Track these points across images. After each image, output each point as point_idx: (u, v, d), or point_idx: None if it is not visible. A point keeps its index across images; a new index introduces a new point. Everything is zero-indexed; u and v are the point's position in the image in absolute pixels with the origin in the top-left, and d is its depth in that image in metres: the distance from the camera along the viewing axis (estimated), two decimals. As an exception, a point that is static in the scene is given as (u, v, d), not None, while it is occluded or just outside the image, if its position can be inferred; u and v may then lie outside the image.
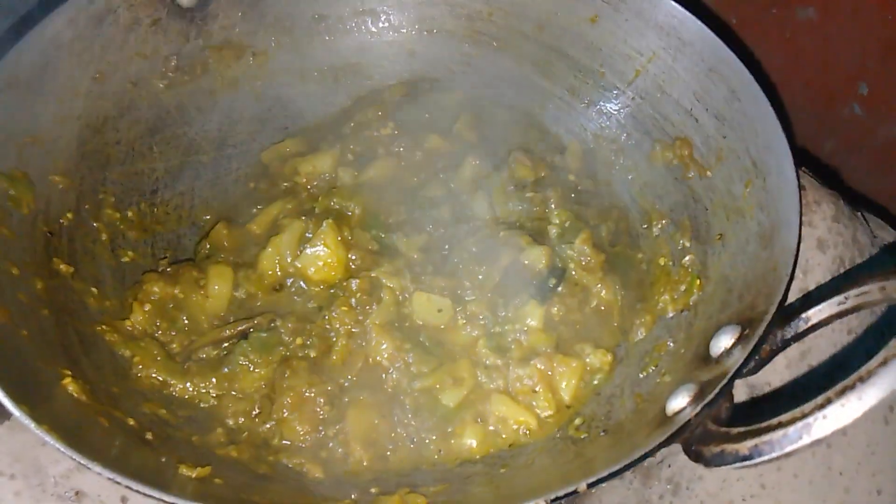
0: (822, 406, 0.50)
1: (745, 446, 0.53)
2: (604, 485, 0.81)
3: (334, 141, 1.08)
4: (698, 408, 0.62)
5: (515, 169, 1.02)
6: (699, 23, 0.97)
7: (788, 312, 0.68)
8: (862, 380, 0.49)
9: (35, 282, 0.80)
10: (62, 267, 0.84)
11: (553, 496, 0.60)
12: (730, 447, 0.55)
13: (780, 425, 0.52)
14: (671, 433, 0.61)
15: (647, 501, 0.82)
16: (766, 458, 0.52)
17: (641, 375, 0.83)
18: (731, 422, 0.61)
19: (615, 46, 1.06)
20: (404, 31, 1.17)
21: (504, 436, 0.82)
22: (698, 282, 0.87)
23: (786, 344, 0.67)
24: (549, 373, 0.84)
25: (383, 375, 0.85)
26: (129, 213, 0.97)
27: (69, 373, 0.73)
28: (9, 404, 0.61)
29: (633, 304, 0.92)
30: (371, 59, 1.18)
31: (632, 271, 0.95)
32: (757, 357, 0.66)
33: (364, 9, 1.15)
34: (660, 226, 0.98)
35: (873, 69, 1.20)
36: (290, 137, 1.11)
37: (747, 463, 0.53)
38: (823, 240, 0.91)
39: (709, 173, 0.94)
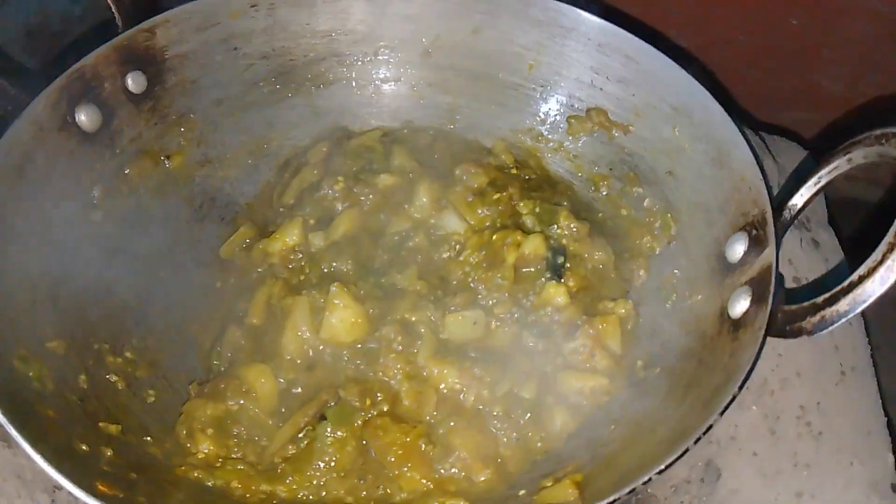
0: (891, 249, 0.65)
1: (843, 304, 0.67)
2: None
3: (287, 213, 1.09)
4: (769, 299, 0.75)
5: (468, 179, 1.10)
6: (574, 9, 1.11)
7: (778, 205, 0.83)
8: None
9: (104, 451, 0.74)
10: (112, 428, 0.78)
11: (707, 426, 0.69)
12: (828, 311, 0.68)
13: (862, 278, 0.66)
14: (766, 327, 0.73)
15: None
16: (862, 307, 0.66)
17: (668, 306, 0.95)
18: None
19: (502, 49, 1.17)
20: (301, 91, 1.19)
21: (586, 402, 0.90)
22: (669, 216, 1.01)
23: (785, 231, 0.83)
24: (595, 334, 0.93)
25: (461, 397, 0.90)
26: (128, 354, 0.91)
27: None
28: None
29: (621, 255, 1.04)
30: (279, 126, 1.19)
31: (602, 230, 1.07)
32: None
33: (256, 80, 1.16)
34: (605, 185, 1.11)
35: None
36: (240, 226, 1.09)
37: (849, 317, 0.67)
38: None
39: (632, 128, 1.09)
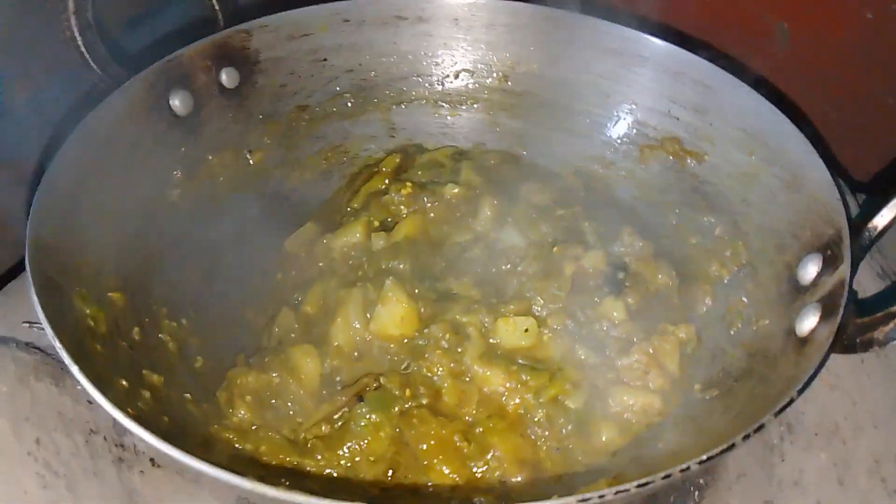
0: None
1: (920, 310, 0.62)
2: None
3: (354, 214, 1.11)
4: (840, 313, 0.70)
5: (531, 196, 1.10)
6: (652, 38, 1.12)
7: (858, 225, 0.79)
8: None
9: (143, 392, 0.75)
10: (154, 378, 0.80)
11: (758, 425, 0.64)
12: (903, 318, 0.63)
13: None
14: (833, 339, 0.68)
15: (771, 444, 0.88)
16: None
17: (732, 332, 0.90)
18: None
19: (578, 78, 1.19)
20: (382, 107, 1.23)
21: (635, 420, 0.86)
22: (740, 243, 0.97)
23: (864, 252, 0.78)
24: (652, 352, 0.89)
25: (503, 399, 0.87)
26: (184, 322, 0.93)
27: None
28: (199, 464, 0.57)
29: (686, 282, 1.00)
30: (355, 138, 1.23)
31: (671, 256, 1.04)
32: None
33: (341, 92, 1.21)
34: (675, 214, 1.09)
35: None
36: (308, 223, 1.12)
37: (928, 323, 0.62)
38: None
39: (706, 157, 1.07)
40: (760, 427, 0.61)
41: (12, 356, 0.81)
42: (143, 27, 1.14)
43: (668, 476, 0.56)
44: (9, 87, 0.93)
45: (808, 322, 0.75)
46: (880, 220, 0.78)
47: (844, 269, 0.74)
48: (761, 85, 0.99)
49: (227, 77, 1.10)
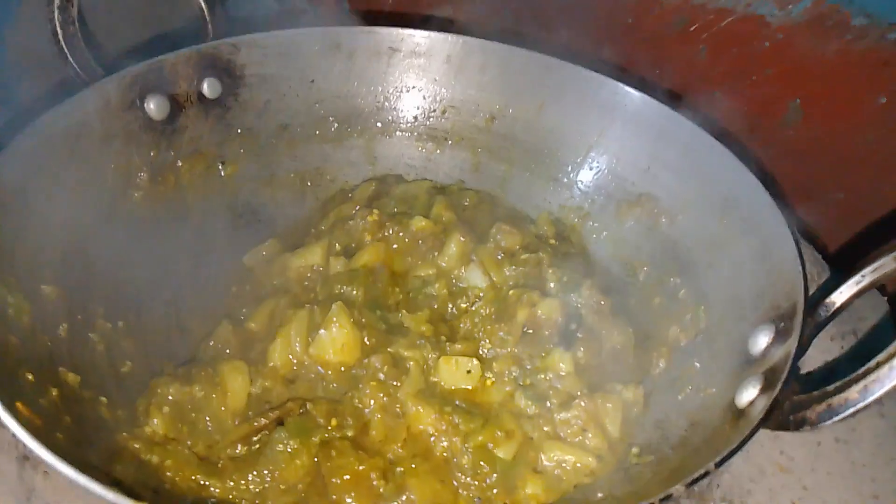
0: (916, 334, 0.56)
1: (853, 392, 0.58)
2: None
3: (318, 236, 1.09)
4: (778, 387, 0.66)
5: (502, 238, 1.07)
6: (642, 95, 1.10)
7: (814, 302, 0.75)
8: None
9: (50, 390, 0.73)
10: (69, 377, 0.78)
11: (657, 498, 0.60)
12: (835, 400, 0.59)
13: (880, 364, 0.57)
14: (765, 414, 0.64)
15: (709, 523, 0.83)
16: (876, 395, 0.57)
17: (680, 398, 0.86)
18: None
19: (565, 127, 1.17)
20: (365, 135, 1.23)
21: (565, 479, 0.81)
22: (702, 308, 0.93)
23: (819, 328, 0.74)
24: (594, 410, 0.85)
25: (432, 441, 0.83)
26: (120, 324, 0.91)
27: (110, 474, 0.65)
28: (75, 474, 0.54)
29: (643, 342, 0.96)
30: (335, 162, 1.22)
31: (631, 314, 1.01)
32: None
33: (325, 116, 1.20)
34: (643, 272, 1.05)
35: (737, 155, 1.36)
36: (270, 239, 1.10)
37: (858, 407, 0.57)
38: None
39: (680, 218, 1.04)
40: (667, 497, 0.57)
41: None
42: (131, 31, 1.15)
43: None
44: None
45: (748, 394, 0.71)
46: (838, 298, 0.75)
47: (791, 343, 0.70)
48: (745, 153, 0.96)
49: (209, 87, 1.10)
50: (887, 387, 0.57)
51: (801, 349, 0.74)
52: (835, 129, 1.29)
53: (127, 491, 0.58)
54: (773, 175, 1.37)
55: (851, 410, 0.58)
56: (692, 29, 1.33)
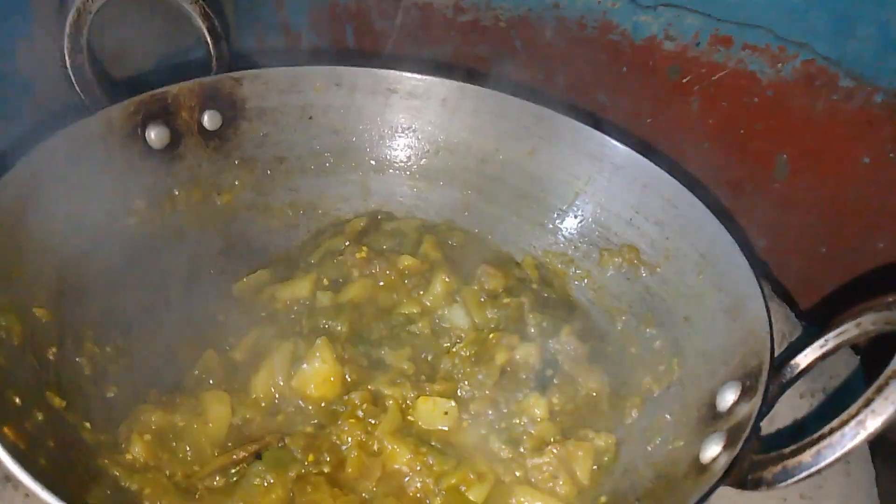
0: (867, 404, 0.59)
1: (807, 455, 0.61)
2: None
3: (306, 269, 1.12)
4: (739, 445, 0.68)
5: (486, 280, 1.10)
6: (628, 149, 1.14)
7: (780, 362, 0.78)
8: (894, 377, 0.59)
9: (36, 413, 0.74)
10: (56, 400, 0.79)
11: None
12: (790, 462, 0.62)
13: (833, 430, 0.60)
14: (725, 472, 0.66)
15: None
16: (829, 461, 0.59)
17: (649, 448, 0.88)
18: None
19: (553, 174, 1.21)
20: (360, 171, 1.26)
21: (535, 524, 0.83)
22: (675, 360, 0.96)
23: (784, 388, 0.77)
24: (565, 457, 0.87)
25: (406, 480, 0.85)
26: (108, 349, 0.93)
27: (87, 499, 0.67)
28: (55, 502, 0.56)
29: (617, 390, 0.99)
30: (329, 196, 1.25)
31: (607, 361, 1.03)
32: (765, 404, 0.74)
33: (322, 150, 1.24)
34: (622, 321, 1.08)
35: (726, 206, 1.37)
36: (260, 269, 1.13)
37: (812, 471, 0.60)
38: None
39: (659, 270, 1.07)
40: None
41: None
42: (136, 60, 1.18)
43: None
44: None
45: (712, 450, 0.73)
46: (802, 360, 0.78)
47: (755, 402, 0.73)
48: (723, 215, 1.00)
49: (210, 119, 1.13)
50: (838, 453, 0.60)
51: (766, 408, 0.76)
52: (821, 185, 1.33)
53: None
54: (759, 228, 1.42)
55: (805, 474, 0.61)
56: (685, 80, 1.37)
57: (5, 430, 0.64)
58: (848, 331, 0.74)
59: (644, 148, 1.13)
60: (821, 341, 0.77)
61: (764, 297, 0.87)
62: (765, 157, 1.33)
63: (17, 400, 0.73)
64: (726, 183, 1.39)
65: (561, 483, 0.86)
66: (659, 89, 1.39)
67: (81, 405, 0.83)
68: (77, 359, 0.88)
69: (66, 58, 0.99)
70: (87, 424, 0.82)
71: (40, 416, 0.75)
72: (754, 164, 1.35)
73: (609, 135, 1.15)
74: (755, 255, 1.34)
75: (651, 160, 1.11)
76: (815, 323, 1.20)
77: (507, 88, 1.22)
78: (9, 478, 0.79)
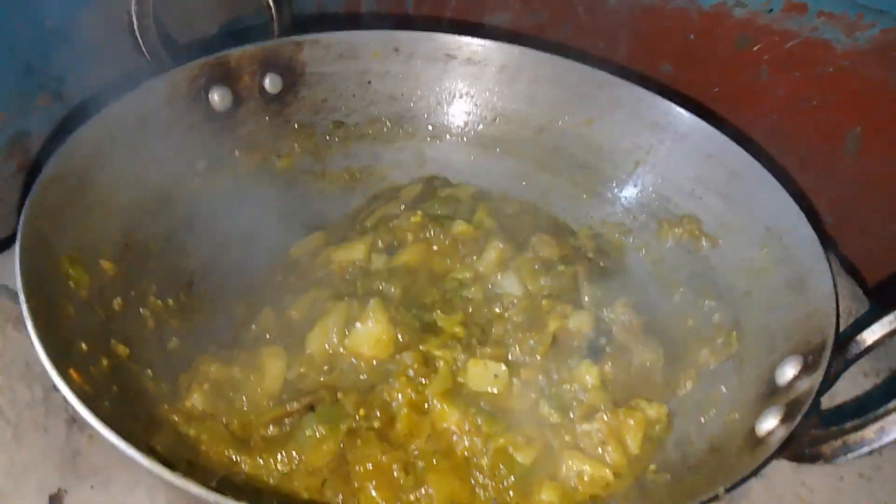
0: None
1: (869, 431, 0.58)
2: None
3: (362, 232, 1.13)
4: (797, 419, 0.66)
5: (540, 248, 1.09)
6: (693, 116, 1.10)
7: (846, 338, 0.75)
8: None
9: (101, 359, 0.78)
10: (120, 348, 0.83)
11: None
12: (852, 437, 0.60)
13: (900, 406, 0.58)
14: (782, 445, 0.64)
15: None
16: (893, 436, 0.57)
17: (703, 420, 0.86)
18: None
19: (613, 143, 1.18)
20: (417, 137, 1.26)
21: (581, 489, 0.83)
22: (734, 334, 0.94)
23: (847, 365, 0.74)
24: (615, 425, 0.86)
25: (454, 439, 0.85)
26: (171, 303, 0.96)
27: (150, 443, 0.70)
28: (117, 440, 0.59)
29: (673, 362, 0.97)
30: (385, 162, 1.26)
31: (663, 334, 1.01)
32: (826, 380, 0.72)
33: (379, 116, 1.24)
34: (679, 293, 1.06)
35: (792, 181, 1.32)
36: (317, 232, 1.14)
37: (874, 446, 0.58)
38: (832, 292, 1.01)
39: (721, 242, 1.04)
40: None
41: (-1, 302, 0.85)
42: (200, 25, 1.20)
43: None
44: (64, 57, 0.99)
45: (768, 423, 0.71)
46: (869, 336, 0.75)
47: (816, 378, 0.70)
48: (793, 186, 0.96)
49: (271, 83, 1.14)
50: (904, 429, 0.57)
51: (827, 384, 0.74)
52: (893, 161, 1.26)
53: (162, 460, 0.62)
54: (826, 204, 1.36)
55: (866, 449, 0.59)
56: (755, 49, 1.31)
57: (71, 372, 0.67)
58: (921, 306, 0.70)
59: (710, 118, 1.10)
60: (890, 318, 0.74)
61: (832, 272, 0.84)
62: (836, 130, 1.27)
63: (84, 346, 0.76)
64: (794, 157, 1.34)
65: (610, 450, 0.86)
66: (727, 58, 1.34)
67: (144, 355, 0.86)
68: (141, 310, 0.91)
69: (134, 21, 1.01)
70: (150, 373, 0.85)
71: (105, 363, 0.78)
72: (824, 138, 1.29)
73: (673, 102, 1.12)
74: (823, 231, 1.29)
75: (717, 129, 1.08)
76: (882, 301, 1.14)
77: (569, 56, 1.19)
78: (75, 419, 0.83)
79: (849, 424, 0.61)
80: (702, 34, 1.34)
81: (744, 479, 0.62)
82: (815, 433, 0.64)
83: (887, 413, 0.58)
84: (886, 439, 0.58)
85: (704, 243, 1.06)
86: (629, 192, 1.17)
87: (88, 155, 0.91)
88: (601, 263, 1.11)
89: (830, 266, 0.84)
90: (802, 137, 1.33)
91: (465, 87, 1.24)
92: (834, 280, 0.82)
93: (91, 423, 0.60)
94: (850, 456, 0.59)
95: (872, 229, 1.31)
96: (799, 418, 0.66)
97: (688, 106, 1.11)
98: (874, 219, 1.31)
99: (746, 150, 1.03)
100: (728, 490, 0.61)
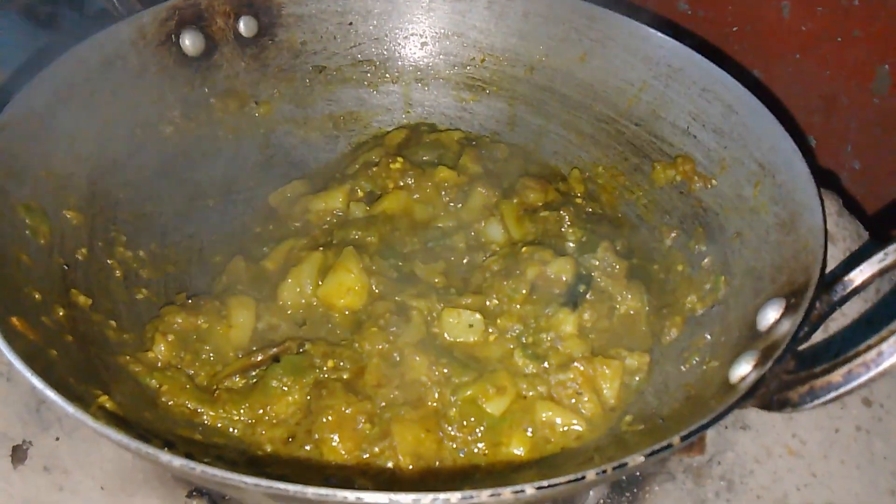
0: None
1: (837, 375, 0.54)
2: (657, 488, 0.80)
3: (341, 180, 1.09)
4: (768, 364, 0.62)
5: (525, 193, 1.05)
6: (688, 49, 1.04)
7: (831, 279, 0.70)
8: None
9: (56, 309, 0.76)
10: (80, 298, 0.81)
11: (610, 466, 0.57)
12: (819, 382, 0.55)
13: (870, 346, 0.53)
14: (751, 389, 0.60)
15: (703, 501, 0.80)
16: (861, 381, 0.52)
17: (683, 368, 0.83)
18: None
19: (606, 81, 1.12)
20: (402, 81, 1.21)
21: (553, 440, 0.80)
22: (723, 279, 0.89)
23: (833, 308, 0.69)
24: (591, 374, 0.83)
25: (423, 391, 0.83)
26: (141, 253, 0.95)
27: (102, 394, 0.69)
28: (61, 402, 0.57)
29: (658, 309, 0.93)
30: (369, 107, 1.22)
31: (652, 281, 0.97)
32: (808, 323, 0.67)
33: (362, 59, 1.19)
34: (671, 238, 1.01)
35: (818, 123, 1.29)
36: (296, 180, 1.11)
37: (841, 391, 0.53)
38: (832, 234, 0.95)
39: (714, 182, 0.98)
40: (622, 465, 0.55)
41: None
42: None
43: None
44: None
45: (742, 369, 0.67)
46: (858, 276, 0.69)
47: (796, 319, 0.66)
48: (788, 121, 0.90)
49: (245, 26, 1.10)
50: (872, 372, 0.52)
51: (812, 328, 0.69)
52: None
53: (110, 414, 0.61)
54: (854, 147, 1.29)
55: (833, 395, 0.54)
56: None
57: (14, 320, 0.65)
58: (912, 243, 0.65)
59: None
60: (879, 255, 0.68)
61: (822, 207, 0.78)
62: (863, 68, 1.21)
63: (37, 295, 0.75)
64: (819, 97, 1.27)
65: (585, 400, 0.82)
66: None
67: (108, 305, 0.85)
68: (108, 261, 0.89)
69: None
70: (113, 323, 0.84)
71: (61, 313, 0.77)
72: (851, 77, 1.23)
73: (667, 34, 1.05)
74: (818, 166, 1.23)
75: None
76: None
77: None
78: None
79: (818, 368, 0.56)
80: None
81: (701, 428, 0.58)
82: (786, 378, 0.59)
83: (857, 355, 0.53)
84: (854, 383, 0.53)
85: (698, 184, 1.00)
86: (622, 133, 1.11)
87: (47, 101, 0.89)
88: (589, 209, 1.07)
89: (822, 203, 0.78)
90: (828, 77, 1.26)
91: (452, 26, 1.19)
92: (824, 216, 0.76)
93: (18, 369, 0.58)
94: (817, 402, 0.55)
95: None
96: (770, 363, 0.61)
97: (682, 38, 1.04)
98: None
99: (743, 84, 0.97)
100: (684, 438, 0.57)
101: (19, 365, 0.59)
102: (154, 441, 0.60)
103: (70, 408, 0.57)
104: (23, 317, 0.68)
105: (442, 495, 0.50)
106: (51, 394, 0.58)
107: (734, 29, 1.33)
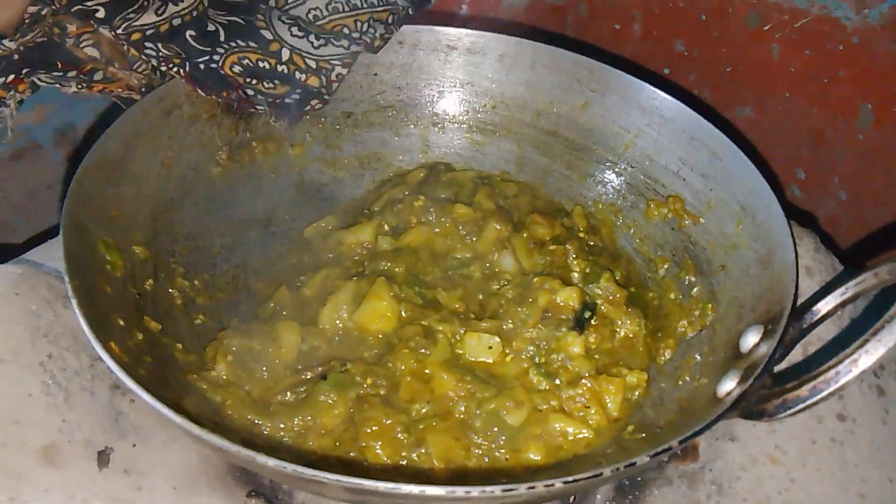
0: (862, 345, 0.64)
1: (804, 390, 0.67)
2: (656, 491, 0.92)
3: (369, 216, 1.22)
4: (749, 381, 0.75)
5: (534, 228, 1.17)
6: (677, 102, 1.17)
7: (802, 308, 0.83)
8: (889, 321, 0.63)
9: (136, 333, 0.88)
10: (152, 324, 0.93)
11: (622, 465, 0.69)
12: (790, 395, 0.68)
13: (830, 368, 0.66)
14: (735, 402, 0.73)
15: (696, 502, 0.93)
16: (823, 395, 0.65)
17: (677, 385, 0.95)
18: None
19: (605, 126, 1.26)
20: (421, 125, 1.34)
21: (565, 447, 0.92)
22: (710, 306, 1.02)
23: (804, 333, 0.82)
24: (597, 390, 0.95)
25: (451, 405, 0.95)
26: (196, 282, 1.06)
27: (179, 406, 0.80)
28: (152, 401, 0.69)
29: (654, 333, 1.06)
30: (392, 148, 1.34)
31: (648, 307, 1.10)
32: (782, 346, 0.80)
33: (385, 105, 1.32)
34: (664, 269, 1.14)
35: (807, 156, 1.40)
36: (329, 216, 1.24)
37: (808, 403, 0.66)
38: (811, 267, 1.09)
39: (702, 220, 1.12)
40: (632, 464, 0.68)
41: (48, 282, 0.96)
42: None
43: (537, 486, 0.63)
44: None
45: (727, 385, 0.80)
46: (823, 307, 0.82)
47: (772, 343, 0.78)
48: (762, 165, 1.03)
49: (283, 77, 1.22)
50: (833, 387, 0.65)
51: (785, 350, 0.82)
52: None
53: (192, 419, 0.73)
54: (840, 179, 1.38)
55: (801, 406, 0.67)
56: (766, 28, 1.34)
57: (111, 345, 0.77)
58: (866, 280, 0.78)
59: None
60: (841, 289, 0.81)
61: (794, 246, 0.91)
62: (848, 106, 1.30)
63: (121, 322, 0.86)
64: (808, 133, 1.35)
65: (593, 413, 0.95)
66: (738, 37, 1.36)
67: (174, 330, 0.97)
68: (170, 290, 1.01)
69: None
70: (179, 346, 0.95)
71: (140, 337, 0.88)
72: (837, 114, 1.32)
73: (660, 88, 1.19)
74: (792, 206, 1.33)
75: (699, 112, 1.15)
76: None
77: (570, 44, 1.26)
78: (117, 386, 0.94)
79: (789, 384, 0.69)
80: (713, 14, 1.38)
81: (696, 433, 0.70)
82: (764, 392, 0.72)
83: (819, 374, 0.66)
84: (818, 397, 0.66)
85: (687, 221, 1.13)
86: (620, 174, 1.24)
87: (120, 147, 1.01)
88: (591, 242, 1.20)
89: (794, 241, 0.91)
90: (816, 113, 1.34)
91: (466, 76, 1.32)
92: (796, 254, 0.89)
93: (130, 388, 0.70)
94: (788, 412, 0.68)
95: (887, 204, 1.31)
96: (751, 380, 0.74)
97: (673, 91, 1.18)
98: (889, 194, 1.31)
99: (726, 134, 1.10)
100: (682, 442, 0.70)
101: (126, 380, 0.70)
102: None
103: (168, 412, 0.69)
104: (116, 341, 0.80)
105: (488, 488, 0.62)
106: (152, 401, 0.70)
107: (728, 69, 1.42)
